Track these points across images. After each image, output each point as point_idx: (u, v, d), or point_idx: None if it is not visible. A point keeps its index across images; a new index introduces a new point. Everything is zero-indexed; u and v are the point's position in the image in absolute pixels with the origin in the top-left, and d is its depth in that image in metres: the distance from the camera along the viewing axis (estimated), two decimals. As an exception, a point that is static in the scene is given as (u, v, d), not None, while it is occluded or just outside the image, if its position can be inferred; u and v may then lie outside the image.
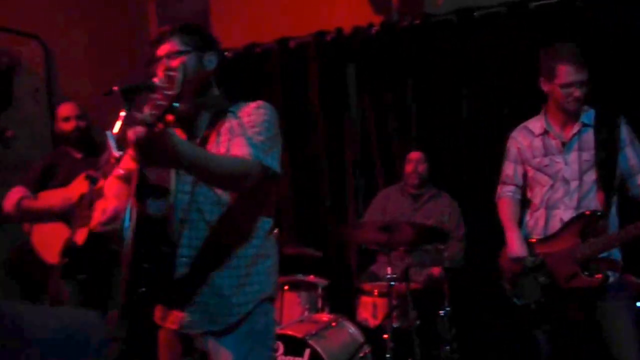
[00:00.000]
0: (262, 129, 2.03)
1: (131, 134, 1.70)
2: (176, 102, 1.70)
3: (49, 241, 3.47)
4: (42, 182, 3.55)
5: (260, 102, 2.14)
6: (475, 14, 4.18)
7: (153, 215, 1.94)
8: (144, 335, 2.27)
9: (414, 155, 4.05)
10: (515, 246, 2.97)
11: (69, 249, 3.21)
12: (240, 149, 1.99)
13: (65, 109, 3.63)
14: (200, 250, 2.05)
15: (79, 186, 3.47)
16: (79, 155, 3.62)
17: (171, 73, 1.74)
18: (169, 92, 1.69)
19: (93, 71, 4.75)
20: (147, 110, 1.69)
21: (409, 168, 4.03)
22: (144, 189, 1.93)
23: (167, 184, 1.96)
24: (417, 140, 4.32)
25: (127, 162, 2.17)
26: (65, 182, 3.53)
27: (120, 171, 2.16)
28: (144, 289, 1.99)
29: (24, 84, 4.32)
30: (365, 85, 4.56)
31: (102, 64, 4.82)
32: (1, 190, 3.69)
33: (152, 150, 1.71)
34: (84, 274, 3.34)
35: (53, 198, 3.47)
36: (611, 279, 2.78)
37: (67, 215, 3.41)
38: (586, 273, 2.77)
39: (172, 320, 2.10)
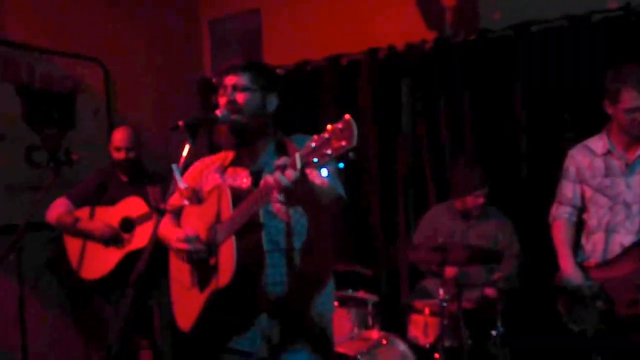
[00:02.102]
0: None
1: (281, 178, 1.80)
2: (350, 154, 1.72)
3: (86, 255, 3.67)
4: (91, 199, 3.72)
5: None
6: (532, 28, 4.07)
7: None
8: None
9: (480, 199, 3.90)
10: (570, 273, 2.93)
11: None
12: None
13: (118, 139, 3.75)
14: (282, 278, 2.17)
15: (122, 209, 3.66)
16: (125, 179, 3.78)
17: (347, 125, 1.69)
18: (344, 145, 1.68)
19: (151, 92, 4.96)
20: (303, 155, 1.76)
21: (471, 202, 3.90)
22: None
23: (258, 219, 2.05)
24: (472, 156, 4.27)
25: (176, 199, 2.30)
26: (110, 203, 3.70)
27: (185, 202, 2.27)
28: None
29: (85, 106, 4.51)
30: (418, 102, 4.53)
31: (159, 85, 5.02)
32: None
33: (297, 192, 1.84)
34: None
35: (94, 222, 3.64)
36: None
37: (106, 239, 3.61)
38: None
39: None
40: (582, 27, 3.92)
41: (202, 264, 2.16)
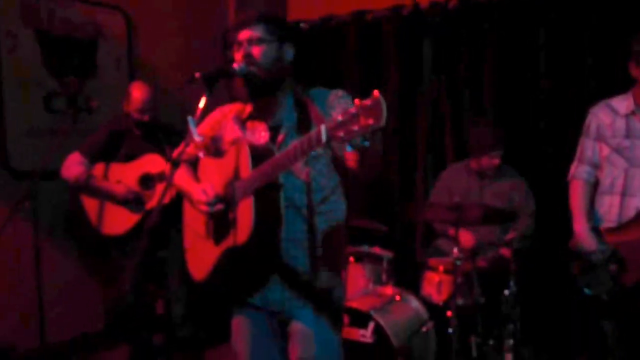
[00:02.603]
0: None
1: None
2: (377, 134, 1.72)
3: (106, 213, 3.67)
4: (105, 152, 3.68)
5: (340, 92, 2.22)
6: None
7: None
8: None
9: (496, 160, 3.87)
10: (584, 238, 2.92)
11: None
12: None
13: (136, 99, 3.65)
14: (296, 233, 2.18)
15: (141, 166, 3.65)
16: (138, 132, 3.73)
17: (376, 103, 1.66)
18: (371, 124, 1.66)
19: (174, 41, 4.91)
20: (330, 128, 1.75)
21: (486, 163, 3.88)
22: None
23: (277, 179, 2.06)
24: (492, 116, 4.25)
25: (191, 151, 2.31)
26: (126, 158, 3.69)
27: (200, 154, 2.28)
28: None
29: (106, 54, 4.49)
30: (441, 61, 4.50)
31: (183, 34, 4.98)
32: None
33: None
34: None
35: (116, 186, 3.62)
36: None
37: (127, 201, 3.62)
38: None
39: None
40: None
41: (219, 216, 2.18)
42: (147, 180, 3.64)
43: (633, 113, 2.86)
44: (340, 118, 1.72)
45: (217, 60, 5.02)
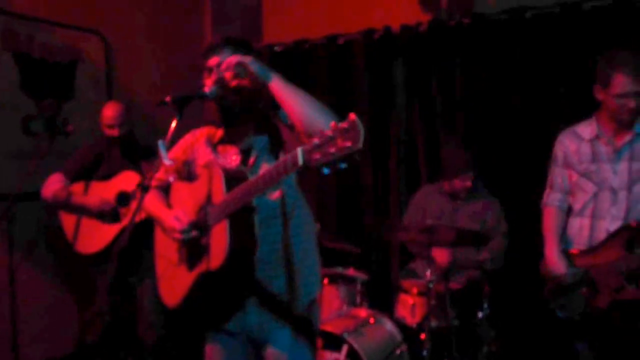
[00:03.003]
0: None
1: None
2: (354, 156, 1.69)
3: (82, 230, 3.69)
4: (86, 172, 3.72)
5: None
6: (527, 14, 4.10)
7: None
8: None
9: (468, 182, 3.92)
10: (554, 262, 2.96)
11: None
12: None
13: (108, 116, 3.72)
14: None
15: (118, 184, 3.67)
16: (116, 151, 3.76)
17: (353, 126, 1.66)
18: (349, 146, 1.66)
19: (151, 64, 4.97)
20: (306, 150, 1.75)
21: (458, 184, 3.92)
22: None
23: (251, 203, 2.05)
24: (463, 139, 4.29)
25: (162, 175, 2.32)
26: (104, 176, 3.71)
27: (171, 179, 2.29)
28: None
29: (85, 77, 4.53)
30: (412, 83, 4.57)
31: (160, 56, 5.04)
32: None
33: None
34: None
35: (91, 198, 3.65)
36: None
37: (103, 214, 3.62)
38: (633, 286, 2.72)
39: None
40: (573, 14, 3.96)
41: (192, 242, 2.17)
42: (124, 197, 3.65)
43: (597, 137, 2.92)
44: (316, 141, 1.71)
45: (195, 82, 5.06)
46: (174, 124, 2.08)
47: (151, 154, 3.69)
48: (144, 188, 2.05)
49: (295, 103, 2.02)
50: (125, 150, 3.76)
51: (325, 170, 1.77)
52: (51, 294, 4.32)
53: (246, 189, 1.99)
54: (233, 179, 2.07)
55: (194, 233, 2.13)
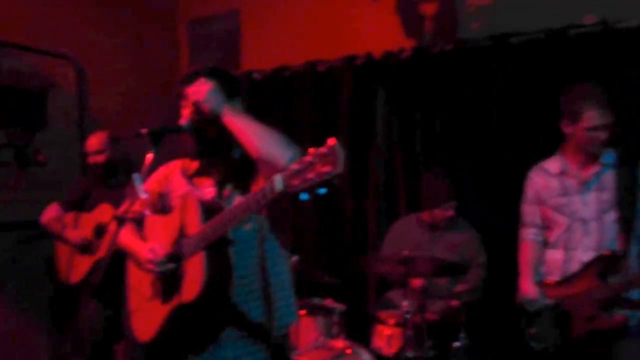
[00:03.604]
0: None
1: None
2: (333, 181, 1.69)
3: (67, 261, 3.79)
4: (78, 204, 3.85)
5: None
6: (511, 40, 4.09)
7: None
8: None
9: (449, 212, 3.94)
10: (528, 292, 2.99)
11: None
12: None
13: (87, 144, 3.86)
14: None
15: (97, 216, 3.77)
16: (104, 185, 3.86)
17: (332, 150, 1.67)
18: (328, 171, 1.67)
19: (126, 93, 4.90)
20: (285, 177, 1.75)
21: (439, 215, 3.93)
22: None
23: (227, 235, 2.05)
24: (444, 167, 4.25)
25: (137, 208, 2.29)
26: (90, 209, 3.82)
27: (146, 212, 2.25)
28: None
29: (56, 105, 4.44)
30: (394, 110, 4.54)
31: (134, 83, 4.96)
32: (34, 207, 3.94)
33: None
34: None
35: (71, 232, 3.76)
36: (632, 321, 2.76)
37: (82, 248, 3.72)
38: (606, 314, 2.75)
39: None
40: (558, 41, 3.96)
41: (167, 274, 2.15)
42: (100, 229, 3.71)
43: (563, 172, 2.99)
44: (295, 167, 1.72)
45: (170, 111, 5.02)
46: (149, 157, 2.07)
47: (131, 167, 3.77)
48: (119, 221, 2.04)
49: (249, 136, 2.03)
50: (108, 179, 3.84)
51: (304, 196, 1.77)
52: (24, 329, 4.24)
53: (224, 219, 1.98)
54: (210, 209, 2.07)
55: (170, 265, 2.11)
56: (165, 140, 2.12)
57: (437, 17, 4.51)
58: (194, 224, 2.06)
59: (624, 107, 3.18)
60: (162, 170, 2.38)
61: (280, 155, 1.90)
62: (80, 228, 3.76)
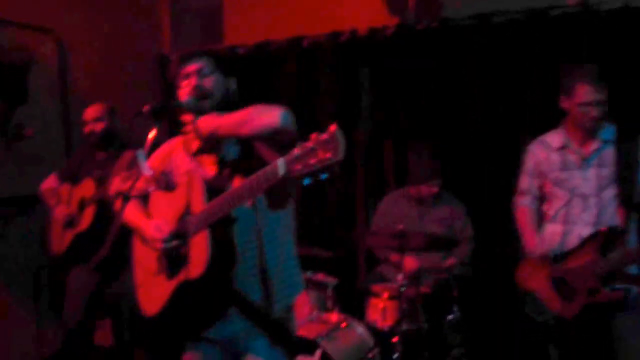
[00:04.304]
0: None
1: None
2: (334, 167, 1.71)
3: (53, 232, 3.79)
4: (73, 175, 3.79)
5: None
6: (493, 19, 4.12)
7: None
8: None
9: (435, 188, 3.98)
10: (533, 245, 3.04)
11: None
12: None
13: (86, 112, 3.76)
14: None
15: (81, 190, 3.72)
16: (99, 157, 3.76)
17: (333, 137, 1.69)
18: (329, 157, 1.69)
19: (107, 67, 4.79)
20: (287, 161, 1.76)
21: (425, 191, 3.97)
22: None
23: (231, 213, 2.05)
24: (430, 142, 4.26)
25: (141, 185, 2.28)
26: (79, 182, 3.75)
27: (150, 189, 2.23)
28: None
29: (38, 80, 4.32)
30: (378, 87, 4.54)
31: (116, 59, 4.86)
32: (18, 180, 3.99)
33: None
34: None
35: (60, 207, 3.73)
36: (631, 294, 2.81)
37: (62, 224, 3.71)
38: (607, 288, 2.79)
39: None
40: (540, 21, 4.00)
41: (172, 251, 2.16)
42: (82, 204, 3.67)
43: (565, 147, 3.03)
44: (297, 152, 1.73)
45: (151, 86, 4.94)
46: (152, 134, 2.08)
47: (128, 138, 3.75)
48: (125, 198, 2.06)
49: (237, 127, 2.06)
50: (105, 149, 3.74)
51: (306, 181, 1.77)
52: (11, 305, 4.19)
53: (227, 199, 1.99)
54: (214, 189, 2.07)
55: (175, 242, 2.13)
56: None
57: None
58: (199, 202, 2.07)
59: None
60: (164, 148, 2.37)
61: (271, 120, 1.94)
62: (72, 202, 3.73)
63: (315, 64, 4.73)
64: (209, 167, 2.23)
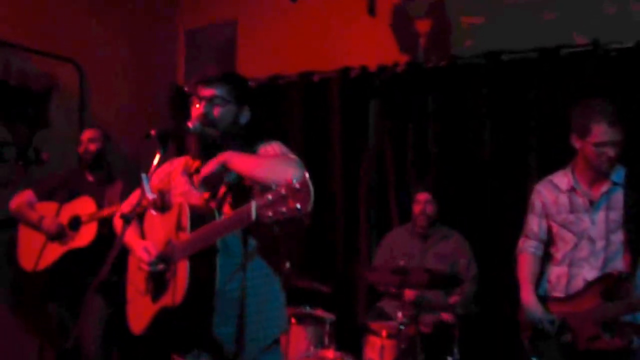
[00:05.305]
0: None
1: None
2: (303, 220, 1.75)
3: (30, 246, 3.75)
4: (56, 193, 3.81)
5: (274, 144, 2.26)
6: (503, 57, 4.14)
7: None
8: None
9: (422, 196, 4.05)
10: (531, 306, 2.95)
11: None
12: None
13: (83, 133, 3.91)
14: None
15: (74, 207, 3.75)
16: (91, 179, 3.87)
17: (304, 187, 1.73)
18: (298, 208, 1.72)
19: (124, 96, 4.96)
20: (259, 206, 1.79)
21: (417, 209, 4.04)
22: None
23: (215, 245, 2.08)
24: (435, 181, 4.30)
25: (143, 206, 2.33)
26: (69, 198, 3.78)
27: (152, 212, 2.26)
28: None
29: (59, 106, 4.50)
30: (386, 123, 4.56)
31: (133, 89, 5.01)
32: None
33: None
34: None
35: (44, 217, 3.71)
36: (635, 344, 2.73)
37: (50, 235, 3.68)
38: (608, 335, 2.73)
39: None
40: (550, 59, 4.00)
41: (158, 274, 2.20)
42: (75, 221, 3.71)
43: (573, 189, 2.95)
44: (270, 197, 1.77)
45: (167, 115, 5.04)
46: (157, 158, 2.11)
47: (120, 180, 3.83)
48: (126, 220, 2.06)
49: (253, 173, 2.07)
50: (96, 173, 3.85)
51: (275, 229, 1.83)
52: (8, 324, 4.18)
53: (206, 233, 2.03)
54: (200, 217, 2.10)
55: (160, 267, 2.17)
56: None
57: (432, 34, 4.55)
58: (185, 229, 2.11)
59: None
60: (165, 167, 2.40)
61: (284, 177, 1.92)
62: (60, 217, 3.73)
63: (324, 99, 4.77)
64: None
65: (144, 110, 4.96)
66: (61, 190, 3.80)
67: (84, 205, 3.71)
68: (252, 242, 2.21)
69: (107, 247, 2.16)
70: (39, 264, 3.68)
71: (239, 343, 2.10)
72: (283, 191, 1.74)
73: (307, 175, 1.76)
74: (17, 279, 3.98)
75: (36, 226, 3.71)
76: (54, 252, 3.67)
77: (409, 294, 3.71)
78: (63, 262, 3.65)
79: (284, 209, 1.73)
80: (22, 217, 3.77)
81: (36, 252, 3.69)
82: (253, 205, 1.81)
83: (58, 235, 3.67)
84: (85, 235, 3.64)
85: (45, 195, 3.81)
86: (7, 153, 4.16)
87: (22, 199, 3.78)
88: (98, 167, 3.87)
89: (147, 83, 5.11)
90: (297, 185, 1.72)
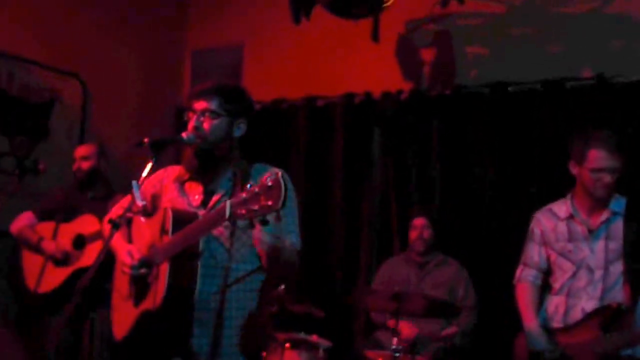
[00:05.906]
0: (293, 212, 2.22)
1: None
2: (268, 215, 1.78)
3: (38, 269, 3.67)
4: (56, 213, 3.76)
5: (277, 171, 2.21)
6: (509, 88, 4.15)
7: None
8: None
9: (419, 221, 4.01)
10: (535, 335, 2.89)
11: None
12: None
13: (77, 150, 3.88)
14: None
15: (77, 226, 3.71)
16: (90, 196, 3.82)
17: (277, 184, 1.75)
18: (270, 205, 1.75)
19: (127, 113, 4.98)
20: (233, 204, 1.84)
21: (413, 234, 4.00)
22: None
23: (197, 247, 2.12)
24: (438, 210, 4.28)
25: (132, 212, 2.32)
26: (68, 219, 3.74)
27: (142, 219, 2.25)
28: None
29: (60, 119, 4.53)
30: (389, 150, 4.57)
31: (136, 107, 5.05)
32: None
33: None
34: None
35: (52, 243, 3.66)
36: None
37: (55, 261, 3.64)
38: None
39: None
40: (555, 92, 4.01)
41: (140, 278, 2.20)
42: (80, 240, 3.67)
43: (572, 217, 2.92)
44: (244, 195, 1.80)
45: (169, 133, 5.06)
46: (149, 167, 2.12)
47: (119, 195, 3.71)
48: (114, 225, 2.07)
49: (270, 259, 2.15)
50: (92, 189, 3.80)
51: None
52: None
53: (186, 232, 2.05)
54: (183, 220, 2.12)
55: (143, 271, 2.17)
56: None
57: (436, 63, 4.57)
58: (168, 232, 2.13)
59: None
60: (159, 174, 2.40)
61: (285, 273, 2.11)
62: (59, 238, 3.68)
63: (328, 123, 4.78)
64: (195, 195, 2.27)
65: (146, 128, 4.92)
66: (61, 209, 3.76)
67: (87, 223, 3.66)
68: (242, 255, 2.19)
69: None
70: (44, 286, 3.63)
71: (216, 347, 2.10)
72: (256, 189, 1.77)
73: (280, 173, 1.77)
74: (22, 300, 3.90)
75: (36, 249, 3.67)
76: (61, 273, 3.62)
77: (407, 332, 3.65)
78: (71, 282, 3.55)
79: (256, 207, 1.76)
80: (25, 241, 3.73)
81: (40, 274, 3.65)
82: (227, 203, 1.85)
83: (64, 261, 3.63)
84: (93, 254, 3.54)
85: (45, 215, 3.78)
86: (5, 163, 4.16)
87: (22, 222, 3.75)
88: (92, 184, 3.82)
89: (151, 101, 5.13)
90: (270, 183, 1.75)
